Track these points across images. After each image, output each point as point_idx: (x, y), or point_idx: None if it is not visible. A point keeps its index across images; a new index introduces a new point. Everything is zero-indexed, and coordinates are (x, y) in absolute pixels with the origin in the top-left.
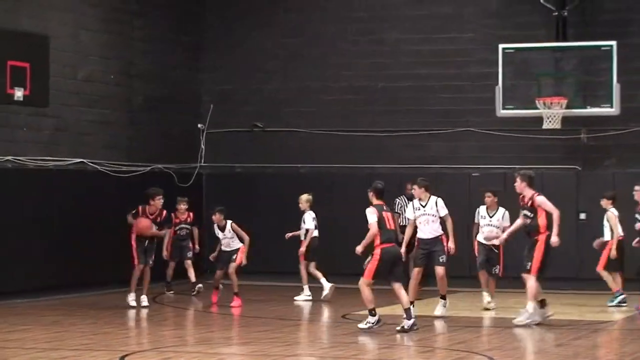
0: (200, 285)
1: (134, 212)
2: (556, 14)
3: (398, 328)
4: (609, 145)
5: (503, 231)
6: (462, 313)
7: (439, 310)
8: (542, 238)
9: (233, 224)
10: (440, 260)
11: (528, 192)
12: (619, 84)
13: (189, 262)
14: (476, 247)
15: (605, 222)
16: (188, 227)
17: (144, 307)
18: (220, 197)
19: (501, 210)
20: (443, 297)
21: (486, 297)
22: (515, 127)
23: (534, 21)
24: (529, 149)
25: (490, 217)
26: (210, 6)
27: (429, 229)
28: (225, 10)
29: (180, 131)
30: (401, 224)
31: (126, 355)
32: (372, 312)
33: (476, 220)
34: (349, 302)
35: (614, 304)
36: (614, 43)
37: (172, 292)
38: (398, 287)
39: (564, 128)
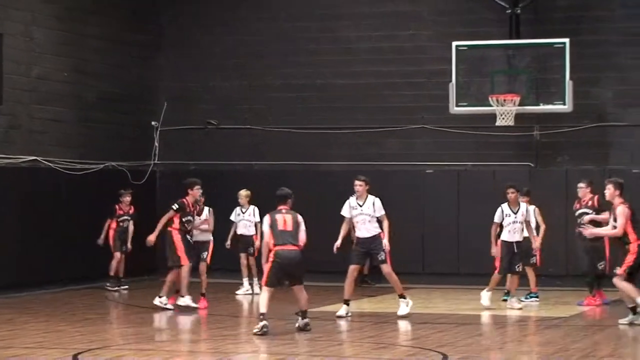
0: (125, 286)
1: (176, 206)
2: (509, 11)
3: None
4: (561, 142)
5: (527, 226)
6: (416, 309)
7: (402, 311)
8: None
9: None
10: (380, 258)
11: (617, 201)
12: (571, 82)
13: (123, 256)
14: (499, 248)
15: (533, 219)
16: (129, 219)
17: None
18: (174, 194)
19: (523, 205)
20: (402, 297)
21: (516, 303)
22: (468, 124)
23: (488, 19)
24: (482, 145)
25: (515, 213)
26: (164, 4)
27: (366, 228)
28: (180, 9)
29: (134, 129)
30: None
31: (79, 353)
32: (260, 317)
33: (497, 220)
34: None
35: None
36: (566, 40)
37: (117, 288)
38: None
39: (517, 125)
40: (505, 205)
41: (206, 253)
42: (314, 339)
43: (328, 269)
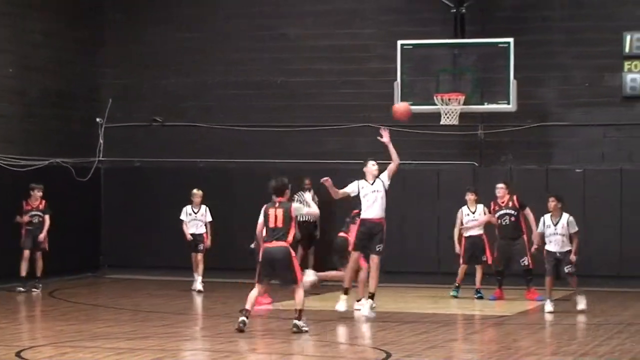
0: (39, 285)
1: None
2: (454, 10)
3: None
4: (505, 141)
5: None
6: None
7: (364, 311)
8: None
9: None
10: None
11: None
12: (515, 81)
13: (39, 254)
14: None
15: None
16: (41, 214)
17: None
18: (119, 191)
19: (565, 216)
20: (346, 292)
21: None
22: (413, 122)
23: (433, 18)
24: (426, 144)
25: (555, 225)
26: (109, 0)
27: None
28: (125, 4)
29: (79, 125)
30: (299, 219)
31: (21, 350)
32: (242, 312)
33: (539, 230)
34: (246, 297)
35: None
36: (511, 40)
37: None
38: (259, 287)
39: (462, 124)
40: (547, 216)
41: (202, 245)
42: (259, 337)
43: None
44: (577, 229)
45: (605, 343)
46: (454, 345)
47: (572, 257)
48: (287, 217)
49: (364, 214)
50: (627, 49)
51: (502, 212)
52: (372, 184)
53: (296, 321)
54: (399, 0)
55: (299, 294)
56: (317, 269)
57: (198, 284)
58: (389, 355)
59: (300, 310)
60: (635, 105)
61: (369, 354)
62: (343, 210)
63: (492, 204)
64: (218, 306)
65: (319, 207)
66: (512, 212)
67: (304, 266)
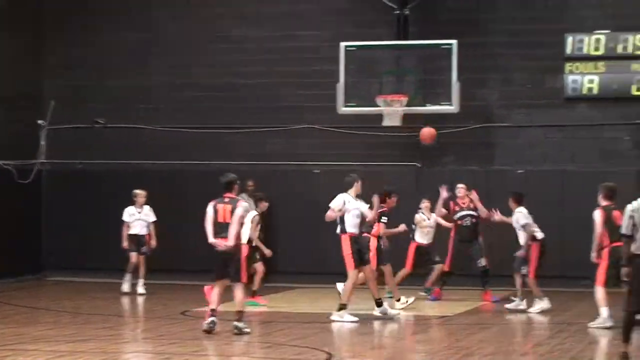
0: None
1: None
2: (397, 12)
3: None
4: (448, 142)
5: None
6: (303, 309)
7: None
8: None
9: None
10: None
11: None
12: (458, 83)
13: None
14: None
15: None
16: None
17: None
18: (62, 193)
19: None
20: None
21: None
22: (356, 124)
23: (376, 19)
24: (369, 146)
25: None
26: (52, 0)
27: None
28: (68, 5)
29: (20, 127)
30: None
31: None
32: (211, 312)
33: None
34: (189, 299)
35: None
36: (454, 42)
37: None
38: (220, 284)
39: (404, 125)
40: None
41: (145, 247)
42: (201, 339)
43: None
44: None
45: (546, 342)
46: (396, 345)
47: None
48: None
49: (354, 229)
50: (568, 51)
51: (463, 213)
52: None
53: (236, 323)
54: (342, 2)
55: (239, 294)
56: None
57: (140, 287)
58: (330, 356)
59: (241, 312)
60: (577, 107)
61: (311, 355)
62: (286, 214)
63: (451, 204)
64: (159, 308)
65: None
66: (473, 212)
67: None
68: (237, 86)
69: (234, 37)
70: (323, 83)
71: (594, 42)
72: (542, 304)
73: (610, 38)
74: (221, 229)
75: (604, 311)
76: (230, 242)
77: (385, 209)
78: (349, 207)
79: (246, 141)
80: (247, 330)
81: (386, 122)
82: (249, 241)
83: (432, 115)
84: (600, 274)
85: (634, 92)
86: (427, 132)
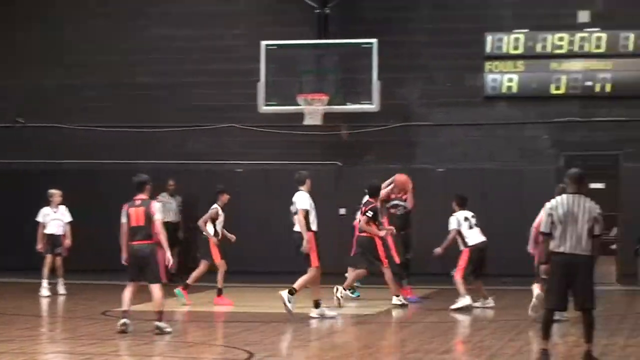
0: None
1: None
2: (318, 11)
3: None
4: (369, 141)
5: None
6: (225, 308)
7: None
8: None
9: None
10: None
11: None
12: (379, 81)
13: None
14: None
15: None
16: None
17: None
18: None
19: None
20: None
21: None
22: (277, 122)
23: (297, 18)
24: (291, 145)
25: None
26: None
27: None
28: None
29: None
30: (165, 220)
31: None
32: (123, 314)
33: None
34: (110, 299)
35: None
36: (374, 41)
37: None
38: (133, 285)
39: (325, 124)
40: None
41: (61, 247)
42: (123, 339)
43: None
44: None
45: (467, 340)
46: (315, 345)
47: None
48: (148, 214)
49: (315, 227)
50: (488, 50)
51: (396, 202)
52: None
53: (157, 323)
54: (263, 1)
55: (157, 294)
56: (181, 270)
57: (60, 287)
58: (251, 355)
59: (160, 312)
60: (496, 106)
61: (233, 355)
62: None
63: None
64: (80, 308)
65: (183, 209)
66: (406, 204)
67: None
68: (159, 85)
69: (154, 35)
70: (244, 82)
71: (513, 41)
72: (464, 300)
73: (529, 37)
74: (136, 232)
75: None
76: (150, 242)
77: (375, 204)
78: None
79: (168, 140)
80: (169, 329)
81: (307, 121)
82: (216, 234)
83: (352, 114)
84: None
85: (553, 91)
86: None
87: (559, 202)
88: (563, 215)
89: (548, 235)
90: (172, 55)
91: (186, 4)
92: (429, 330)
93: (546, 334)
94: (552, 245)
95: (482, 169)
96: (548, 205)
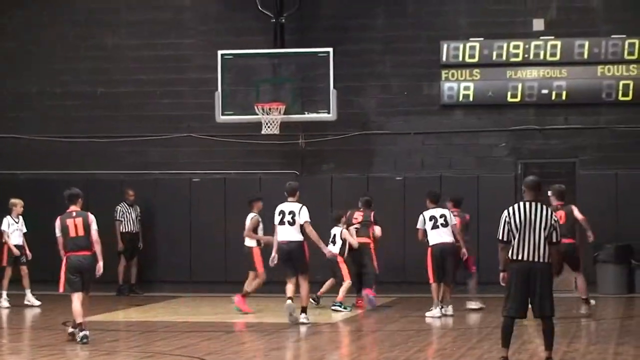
0: None
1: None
2: (274, 20)
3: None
4: (326, 150)
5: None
6: (184, 317)
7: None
8: None
9: None
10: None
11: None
12: (335, 90)
13: None
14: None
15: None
16: None
17: None
18: None
19: None
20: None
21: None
22: (235, 132)
23: (253, 27)
24: (248, 154)
25: None
26: None
27: None
28: None
29: None
30: (122, 230)
31: None
32: (79, 327)
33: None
34: (68, 309)
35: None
36: (330, 50)
37: None
38: (81, 296)
39: (283, 133)
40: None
41: (24, 257)
42: (82, 349)
43: None
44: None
45: (427, 348)
46: (275, 355)
47: None
48: (87, 225)
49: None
50: (444, 58)
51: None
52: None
53: (85, 332)
54: (218, 10)
55: (83, 304)
56: (140, 280)
57: (30, 298)
58: None
59: (81, 323)
60: (453, 113)
61: None
62: (167, 223)
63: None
64: (41, 319)
65: (142, 219)
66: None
67: (127, 277)
68: (115, 95)
69: (107, 45)
70: (201, 91)
71: (469, 49)
72: (434, 311)
73: (484, 45)
74: (76, 242)
75: None
76: (90, 253)
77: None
78: None
79: (124, 150)
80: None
81: (265, 130)
82: (258, 243)
83: (310, 123)
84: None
85: (509, 99)
86: None
87: (515, 210)
88: (520, 222)
89: (506, 243)
90: (127, 65)
91: (140, 12)
92: (389, 338)
93: (506, 342)
94: (510, 253)
95: (440, 176)
96: (505, 213)
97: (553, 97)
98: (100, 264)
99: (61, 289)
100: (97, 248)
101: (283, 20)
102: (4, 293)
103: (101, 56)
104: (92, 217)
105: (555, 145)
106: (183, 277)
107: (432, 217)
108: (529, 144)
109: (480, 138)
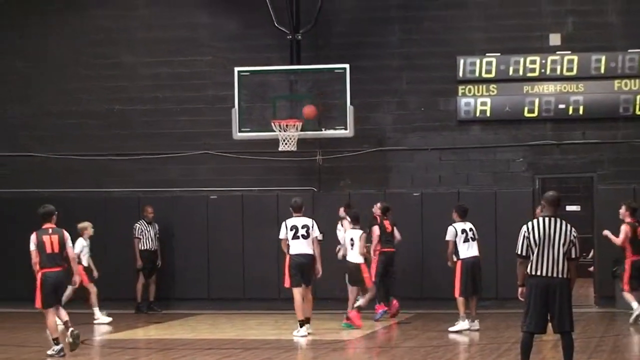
0: None
1: None
2: (290, 37)
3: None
4: (343, 166)
5: None
6: (202, 335)
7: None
8: None
9: None
10: None
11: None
12: (352, 107)
13: None
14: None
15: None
16: None
17: None
18: None
19: None
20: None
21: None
22: (252, 149)
23: (269, 44)
24: (266, 171)
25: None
26: None
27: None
28: None
29: None
30: (141, 248)
31: None
32: (55, 341)
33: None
34: (88, 328)
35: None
36: (346, 66)
37: None
38: (56, 310)
39: (300, 150)
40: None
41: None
42: None
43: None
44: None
45: None
46: None
47: None
48: (62, 242)
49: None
50: (460, 74)
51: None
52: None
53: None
54: (234, 27)
55: (60, 316)
56: (159, 297)
57: (98, 314)
58: None
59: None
60: (470, 129)
61: None
62: (185, 241)
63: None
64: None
65: (160, 237)
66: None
67: (145, 295)
68: (132, 113)
69: (124, 63)
70: (218, 108)
71: (485, 64)
72: (462, 324)
73: (501, 60)
74: (52, 258)
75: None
76: (62, 269)
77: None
78: None
79: (142, 168)
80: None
81: (282, 147)
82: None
83: (327, 139)
84: (625, 282)
85: (526, 114)
86: (308, 110)
87: (534, 225)
88: (539, 237)
89: (524, 258)
90: (143, 82)
91: (157, 31)
92: (408, 355)
93: (525, 357)
94: (529, 268)
95: (458, 192)
96: (524, 229)
97: (570, 112)
98: (77, 278)
99: (39, 305)
100: (74, 264)
101: (299, 37)
102: (96, 310)
103: (118, 74)
104: (67, 235)
105: (573, 160)
106: (201, 294)
107: (463, 230)
108: (546, 159)
109: (497, 153)
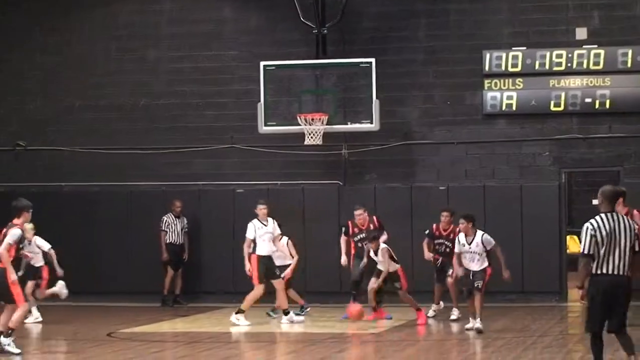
0: None
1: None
2: (316, 31)
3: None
4: (369, 160)
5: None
6: (228, 329)
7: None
8: None
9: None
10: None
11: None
12: (378, 100)
13: None
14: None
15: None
16: None
17: None
18: None
19: (479, 233)
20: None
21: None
22: (277, 143)
23: (295, 39)
24: (291, 164)
25: (469, 244)
26: None
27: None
28: None
29: None
30: (167, 241)
31: None
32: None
33: (456, 250)
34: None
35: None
36: (372, 60)
37: None
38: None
39: (326, 144)
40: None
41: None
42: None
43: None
44: (493, 242)
45: (471, 357)
46: None
47: (505, 273)
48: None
49: (260, 251)
50: (486, 68)
51: (362, 235)
52: (266, 225)
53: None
54: (260, 22)
55: (20, 314)
56: (185, 291)
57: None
58: None
59: (12, 329)
60: (496, 123)
61: None
62: (211, 234)
63: (352, 227)
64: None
65: (188, 231)
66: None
67: (172, 288)
68: (157, 107)
69: (149, 57)
70: (243, 103)
71: (511, 58)
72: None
73: (527, 54)
74: None
75: None
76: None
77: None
78: None
79: (168, 161)
80: (14, 351)
81: (308, 141)
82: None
83: (352, 133)
84: None
85: (552, 108)
86: (354, 309)
87: (599, 222)
88: (607, 235)
89: (590, 257)
90: (168, 77)
91: (183, 25)
92: (435, 348)
93: (600, 358)
94: (594, 267)
95: (484, 186)
96: (589, 226)
97: (596, 106)
98: (13, 276)
99: None
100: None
101: (325, 31)
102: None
103: (143, 69)
104: (12, 232)
105: (599, 154)
106: (227, 287)
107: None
108: (572, 153)
109: (523, 147)
